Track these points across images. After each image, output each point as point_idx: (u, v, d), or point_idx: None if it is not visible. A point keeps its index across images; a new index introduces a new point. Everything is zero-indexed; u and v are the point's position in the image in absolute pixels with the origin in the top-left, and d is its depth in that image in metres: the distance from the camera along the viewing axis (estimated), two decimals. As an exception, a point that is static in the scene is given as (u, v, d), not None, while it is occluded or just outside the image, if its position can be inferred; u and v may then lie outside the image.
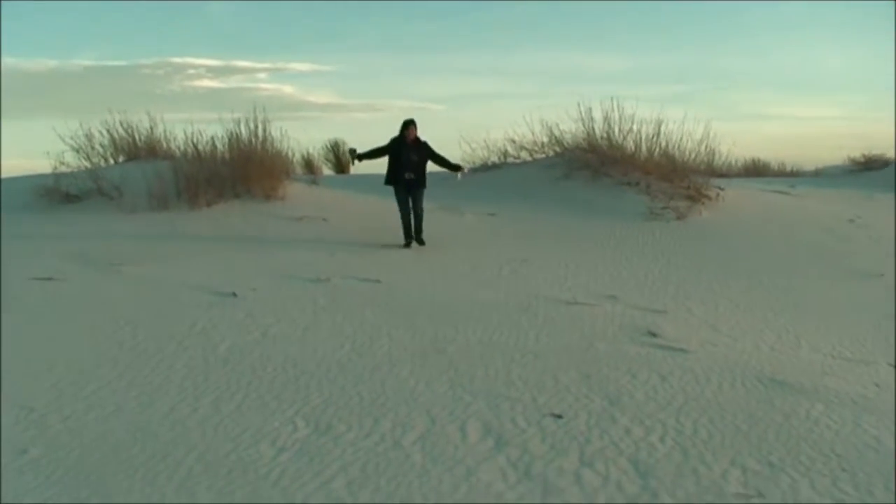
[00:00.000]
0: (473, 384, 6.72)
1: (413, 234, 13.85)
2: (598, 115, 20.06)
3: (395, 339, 8.09)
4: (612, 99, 20.13)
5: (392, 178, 13.70)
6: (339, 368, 7.15)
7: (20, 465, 5.18)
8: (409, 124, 13.64)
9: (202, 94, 53.54)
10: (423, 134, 13.76)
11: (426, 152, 13.74)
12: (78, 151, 18.80)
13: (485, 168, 21.23)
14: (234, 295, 9.90)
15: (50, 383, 6.75)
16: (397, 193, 13.74)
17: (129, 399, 6.33)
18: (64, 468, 5.10)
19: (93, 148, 19.05)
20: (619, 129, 19.89)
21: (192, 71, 56.43)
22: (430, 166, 14.10)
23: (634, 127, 19.79)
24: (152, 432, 5.66)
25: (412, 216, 13.78)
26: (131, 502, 4.61)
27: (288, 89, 59.00)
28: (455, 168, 14.16)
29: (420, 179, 13.70)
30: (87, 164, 18.70)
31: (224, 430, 5.67)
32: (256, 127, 17.53)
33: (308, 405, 6.23)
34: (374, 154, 13.85)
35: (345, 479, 4.92)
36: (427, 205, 15.35)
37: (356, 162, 14.03)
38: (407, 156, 13.54)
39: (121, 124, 19.25)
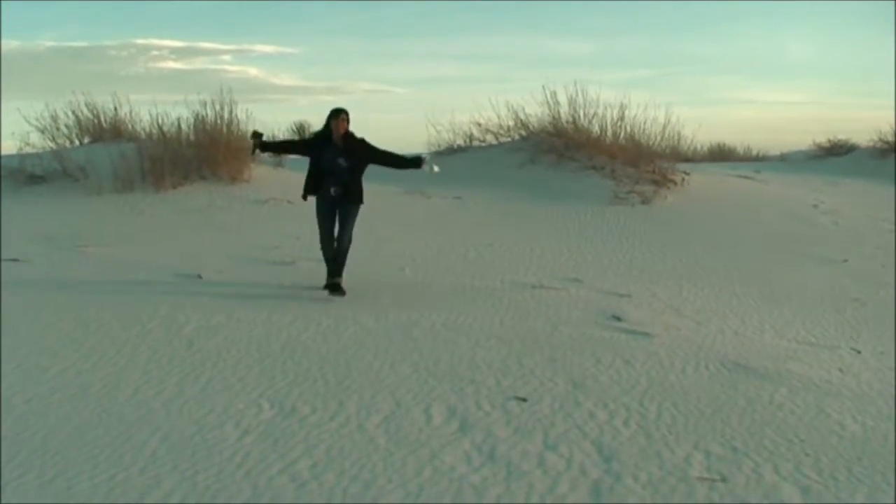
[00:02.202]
0: (438, 367, 6.75)
1: (331, 271, 9.48)
2: (563, 99, 20.14)
3: (360, 323, 8.09)
4: (576, 83, 20.23)
5: (311, 187, 9.55)
6: (303, 351, 7.15)
7: (-18, 446, 5.14)
8: (337, 113, 9.31)
9: (166, 75, 53.12)
10: (362, 126, 9.69)
11: (365, 153, 9.42)
12: (43, 132, 18.65)
13: (450, 151, 21.21)
14: (200, 277, 9.86)
15: (14, 365, 6.69)
16: (319, 207, 9.55)
17: (93, 381, 6.30)
18: (28, 449, 5.06)
19: (58, 129, 18.89)
20: (585, 113, 20.01)
21: (155, 52, 55.99)
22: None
23: (600, 111, 19.92)
24: (117, 414, 5.63)
25: (334, 244, 9.47)
26: (96, 483, 4.58)
27: (253, 71, 58.72)
28: (416, 162, 9.63)
29: (352, 193, 9.38)
30: (52, 145, 18.54)
31: (188, 412, 5.65)
32: (222, 109, 17.43)
33: (273, 387, 6.22)
34: (282, 147, 10.91)
35: (309, 462, 4.92)
36: (392, 188, 15.23)
37: (256, 151, 10.15)
38: (331, 159, 9.32)
39: (86, 105, 19.08)
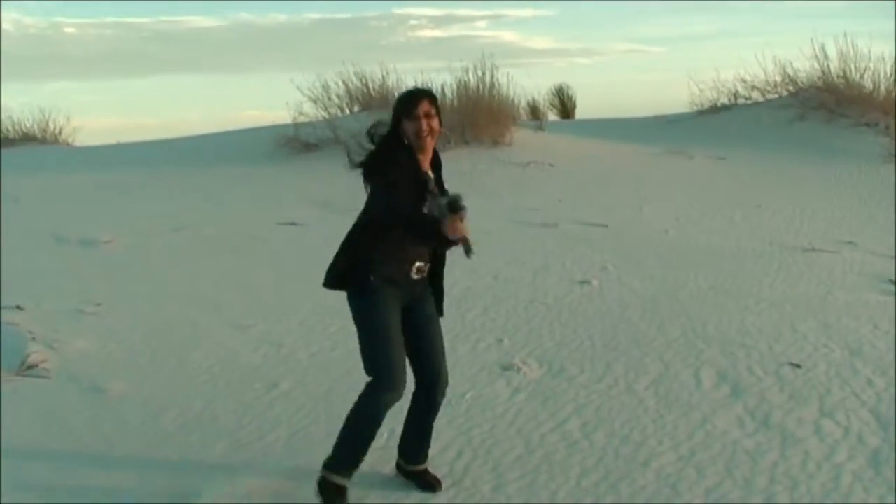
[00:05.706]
0: (706, 331, 6.68)
1: (404, 450, 4.52)
2: (832, 53, 19.18)
3: (625, 284, 8.11)
4: (846, 35, 19.20)
5: (367, 271, 4.38)
6: (569, 312, 7.25)
7: (271, 397, 5.56)
8: (418, 97, 4.21)
9: (424, 43, 54.19)
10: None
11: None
12: (315, 102, 19.57)
13: (714, 110, 20.66)
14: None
15: (297, 321, 7.17)
16: (379, 315, 4.49)
17: (371, 338, 6.64)
18: (313, 401, 5.43)
19: (329, 98, 19.77)
20: (856, 67, 18.98)
21: (414, 21, 57.31)
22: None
23: (872, 65, 18.86)
24: (394, 370, 5.92)
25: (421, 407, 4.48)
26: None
27: (508, 36, 58.75)
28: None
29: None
30: (325, 114, 19.42)
31: (461, 370, 5.86)
32: (483, 74, 17.72)
33: (540, 347, 6.36)
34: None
35: (579, 421, 5.03)
36: (652, 149, 15.01)
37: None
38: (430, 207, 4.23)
39: (355, 75, 19.89)
